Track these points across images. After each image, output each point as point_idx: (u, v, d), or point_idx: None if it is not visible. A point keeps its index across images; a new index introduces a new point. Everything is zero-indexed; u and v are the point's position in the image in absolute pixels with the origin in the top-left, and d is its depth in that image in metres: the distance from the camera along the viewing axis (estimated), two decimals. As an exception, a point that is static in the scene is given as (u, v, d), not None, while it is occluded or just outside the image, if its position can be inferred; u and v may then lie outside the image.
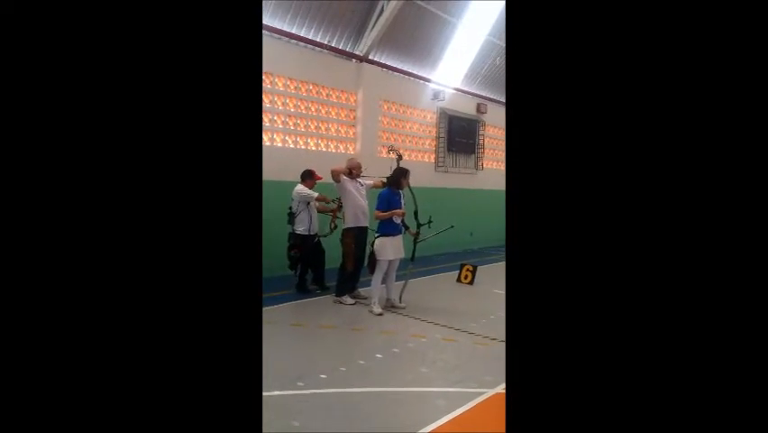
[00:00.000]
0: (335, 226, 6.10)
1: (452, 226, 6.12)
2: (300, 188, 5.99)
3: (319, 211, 6.18)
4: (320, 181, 6.15)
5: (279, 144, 7.39)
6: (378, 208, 5.44)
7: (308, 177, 6.09)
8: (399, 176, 5.55)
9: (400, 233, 5.54)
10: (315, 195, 5.99)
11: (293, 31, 7.32)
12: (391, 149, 6.27)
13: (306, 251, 6.00)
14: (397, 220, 5.48)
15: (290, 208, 6.02)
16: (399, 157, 5.92)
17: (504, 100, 11.72)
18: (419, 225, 5.59)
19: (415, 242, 5.58)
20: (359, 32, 8.19)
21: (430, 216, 5.67)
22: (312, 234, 6.05)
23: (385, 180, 5.71)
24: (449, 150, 10.38)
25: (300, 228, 5.97)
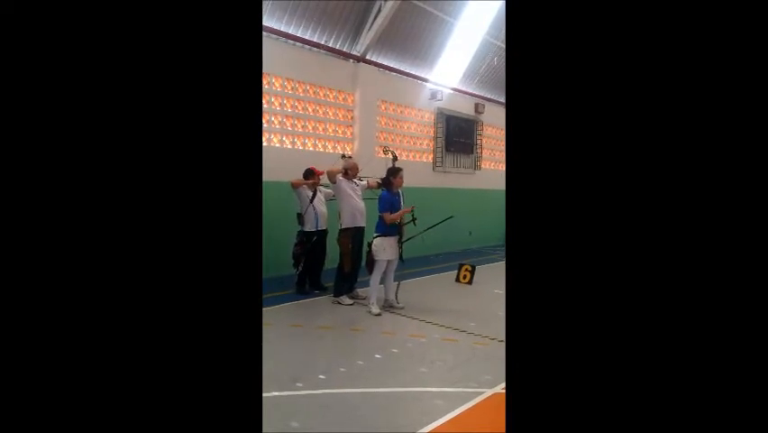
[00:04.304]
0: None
1: (452, 216, 6.08)
2: (299, 190, 6.03)
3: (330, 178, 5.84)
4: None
5: (277, 145, 7.37)
6: (381, 211, 5.42)
7: (310, 175, 6.09)
8: (390, 176, 5.53)
9: (399, 233, 5.52)
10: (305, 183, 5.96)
11: (290, 31, 7.31)
12: (386, 149, 6.24)
13: (307, 247, 5.99)
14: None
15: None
16: (395, 157, 5.91)
17: (502, 100, 11.75)
18: (400, 226, 5.53)
19: (400, 242, 5.53)
20: (356, 32, 8.18)
21: (413, 214, 5.56)
22: (320, 230, 6.04)
23: (380, 181, 5.70)
24: (447, 150, 10.38)
25: (307, 226, 5.99)
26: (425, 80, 9.74)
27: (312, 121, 7.88)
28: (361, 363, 3.97)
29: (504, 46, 10.61)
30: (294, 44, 7.44)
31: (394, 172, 5.53)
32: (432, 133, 10.18)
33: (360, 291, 5.96)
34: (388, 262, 5.47)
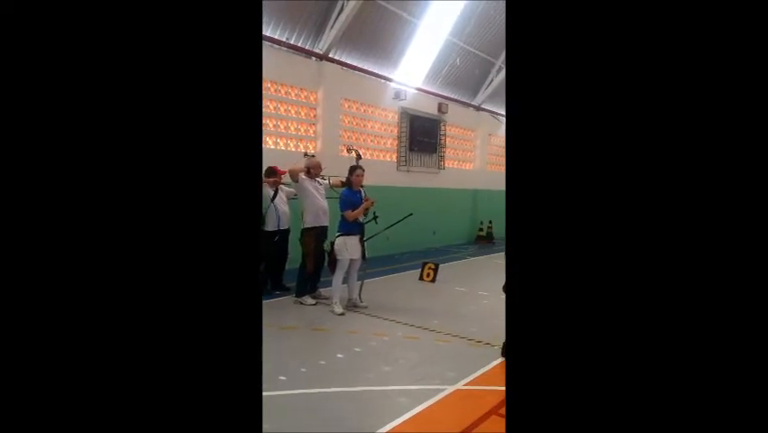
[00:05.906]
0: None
1: (411, 214, 6.13)
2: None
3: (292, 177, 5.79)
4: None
5: (238, 143, 7.24)
6: (342, 210, 5.37)
7: (272, 174, 5.99)
8: (348, 174, 5.50)
9: (361, 232, 5.49)
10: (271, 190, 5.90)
11: (251, 27, 7.18)
12: (350, 148, 6.22)
13: (267, 248, 5.90)
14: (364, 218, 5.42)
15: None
16: (358, 156, 5.89)
17: (465, 100, 11.91)
18: (362, 225, 5.50)
19: (362, 241, 5.52)
20: (319, 30, 8.12)
21: (374, 212, 5.56)
22: (281, 229, 5.96)
23: (343, 180, 5.67)
24: (411, 149, 10.41)
25: (269, 226, 5.90)
26: (389, 80, 9.75)
27: (274, 119, 7.77)
28: (323, 363, 3.93)
29: (467, 47, 10.76)
30: (255, 41, 7.32)
31: (351, 171, 5.50)
32: (396, 133, 10.20)
33: (322, 291, 5.91)
34: (351, 261, 5.43)
